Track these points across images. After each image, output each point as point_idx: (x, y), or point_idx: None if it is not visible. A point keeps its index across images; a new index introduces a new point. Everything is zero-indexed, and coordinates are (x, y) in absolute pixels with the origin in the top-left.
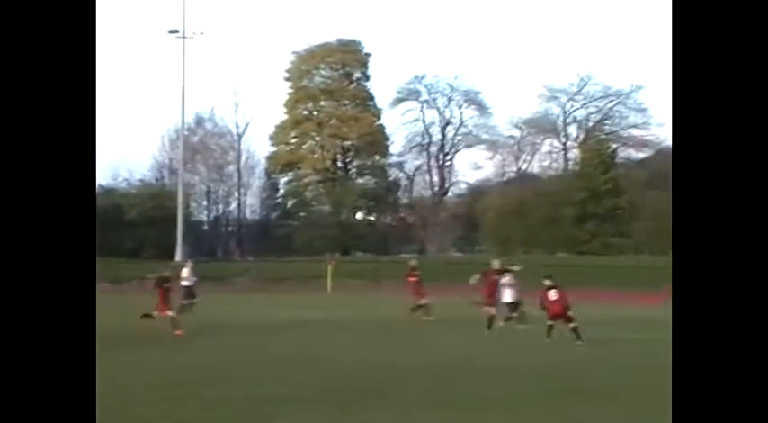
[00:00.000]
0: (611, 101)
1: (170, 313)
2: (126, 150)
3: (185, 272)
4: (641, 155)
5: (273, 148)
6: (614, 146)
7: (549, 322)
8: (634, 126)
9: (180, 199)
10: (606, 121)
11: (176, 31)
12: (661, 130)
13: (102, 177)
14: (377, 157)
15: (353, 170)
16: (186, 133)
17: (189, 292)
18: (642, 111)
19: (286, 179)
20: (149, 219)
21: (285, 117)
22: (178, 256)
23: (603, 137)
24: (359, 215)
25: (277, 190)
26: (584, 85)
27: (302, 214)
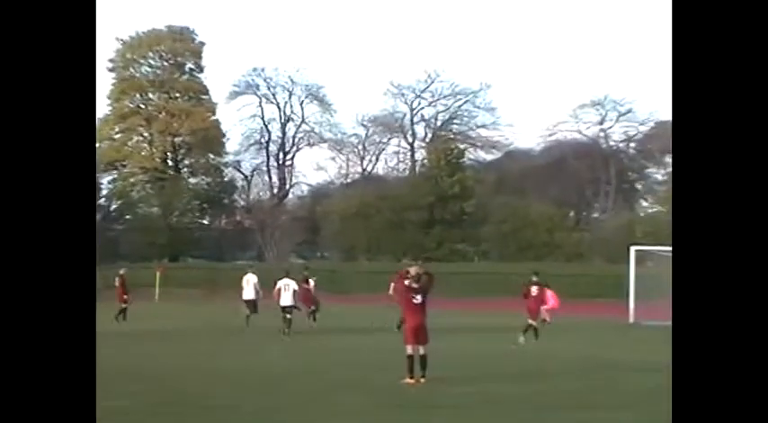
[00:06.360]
0: (460, 99)
1: None
2: None
3: None
4: (490, 156)
5: (96, 144)
6: (462, 146)
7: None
8: (483, 126)
9: None
10: (454, 121)
11: None
12: (510, 130)
13: None
14: (211, 156)
15: (185, 169)
16: None
17: None
18: (491, 110)
19: (110, 178)
20: None
21: (108, 110)
22: None
23: (451, 137)
24: None
25: (100, 190)
26: (432, 82)
27: (128, 217)
